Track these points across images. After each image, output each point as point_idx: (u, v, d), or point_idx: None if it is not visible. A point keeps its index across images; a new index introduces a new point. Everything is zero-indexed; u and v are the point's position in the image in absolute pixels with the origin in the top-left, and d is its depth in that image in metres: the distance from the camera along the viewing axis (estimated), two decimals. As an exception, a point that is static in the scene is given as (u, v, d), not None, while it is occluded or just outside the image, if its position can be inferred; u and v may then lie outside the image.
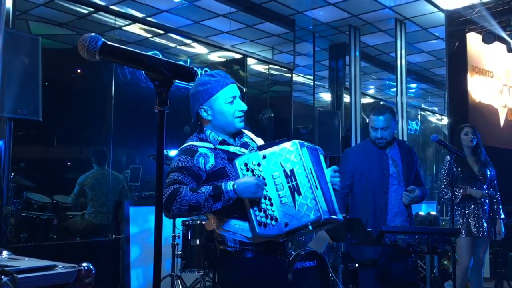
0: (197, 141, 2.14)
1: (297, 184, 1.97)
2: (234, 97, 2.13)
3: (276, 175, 2.00)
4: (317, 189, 2.00)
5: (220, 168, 2.07)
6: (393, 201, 3.28)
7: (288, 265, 2.21)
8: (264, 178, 2.00)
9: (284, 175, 1.99)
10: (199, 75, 2.12)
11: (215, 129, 2.16)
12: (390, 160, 3.34)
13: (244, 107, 2.15)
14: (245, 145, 2.21)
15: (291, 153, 2.01)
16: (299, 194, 1.96)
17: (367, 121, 3.51)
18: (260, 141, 2.30)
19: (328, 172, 2.18)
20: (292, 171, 1.99)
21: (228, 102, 2.12)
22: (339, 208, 2.19)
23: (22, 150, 5.99)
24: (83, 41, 1.25)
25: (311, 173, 2.01)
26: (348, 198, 3.41)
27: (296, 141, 2.05)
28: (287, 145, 2.03)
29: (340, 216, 2.11)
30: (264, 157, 2.03)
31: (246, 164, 2.04)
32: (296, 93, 10.28)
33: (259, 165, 2.02)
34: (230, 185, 1.94)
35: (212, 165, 2.06)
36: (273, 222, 1.96)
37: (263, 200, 1.99)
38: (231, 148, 2.14)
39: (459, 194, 4.24)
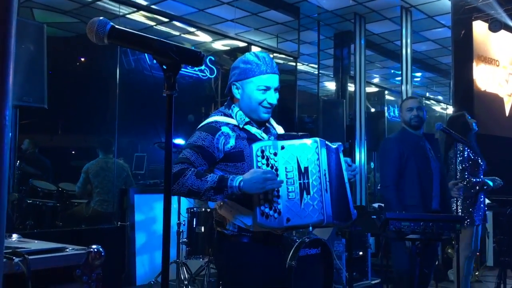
0: (221, 115, 2.15)
1: (308, 183, 1.96)
2: (268, 88, 2.11)
3: (290, 169, 1.98)
4: (327, 192, 1.99)
5: (238, 151, 2.07)
6: (435, 183, 3.55)
7: (283, 254, 2.22)
8: (277, 169, 1.97)
9: (298, 171, 1.97)
10: (249, 53, 2.16)
11: (242, 109, 2.16)
12: (427, 147, 3.64)
13: (273, 101, 2.13)
14: (266, 131, 2.22)
15: (310, 150, 1.99)
16: (308, 193, 1.95)
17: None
18: (280, 129, 2.30)
19: (346, 173, 2.18)
20: (306, 168, 1.97)
21: (259, 90, 2.11)
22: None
23: (27, 139, 6.01)
24: (92, 25, 1.25)
25: (325, 174, 2.00)
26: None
27: (318, 139, 2.02)
28: (308, 141, 2.01)
29: (345, 222, 2.15)
30: (283, 147, 1.99)
31: (263, 151, 1.99)
32: (301, 81, 10.21)
33: (275, 154, 1.99)
34: (236, 181, 1.92)
35: (231, 146, 2.06)
36: (276, 215, 1.94)
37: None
38: (253, 130, 2.14)
39: (472, 183, 4.23)
